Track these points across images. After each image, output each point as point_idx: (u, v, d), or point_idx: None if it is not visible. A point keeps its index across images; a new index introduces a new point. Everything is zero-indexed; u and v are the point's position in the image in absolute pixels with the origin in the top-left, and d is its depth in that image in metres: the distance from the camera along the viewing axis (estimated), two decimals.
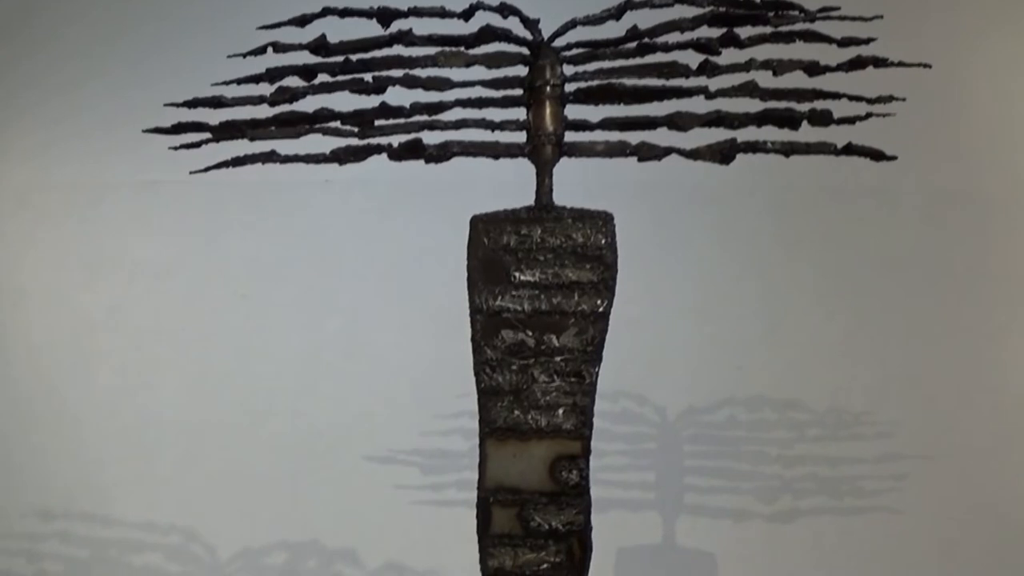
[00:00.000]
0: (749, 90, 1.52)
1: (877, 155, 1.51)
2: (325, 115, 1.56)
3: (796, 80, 1.47)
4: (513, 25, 1.49)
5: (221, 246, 2.60)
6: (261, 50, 1.51)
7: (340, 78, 1.54)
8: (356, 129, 1.57)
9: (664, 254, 2.51)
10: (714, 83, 1.48)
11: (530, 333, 1.51)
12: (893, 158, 1.48)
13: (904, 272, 2.58)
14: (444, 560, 2.45)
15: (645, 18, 1.46)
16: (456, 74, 1.50)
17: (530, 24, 1.53)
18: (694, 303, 2.57)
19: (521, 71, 1.50)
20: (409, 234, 2.56)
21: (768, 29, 1.49)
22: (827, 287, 2.57)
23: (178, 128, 1.57)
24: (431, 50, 1.53)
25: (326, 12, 1.49)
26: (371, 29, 1.48)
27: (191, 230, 2.62)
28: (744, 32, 1.48)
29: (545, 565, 1.55)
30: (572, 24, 1.49)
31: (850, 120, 1.47)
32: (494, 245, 1.50)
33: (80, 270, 2.65)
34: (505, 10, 1.53)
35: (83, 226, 2.66)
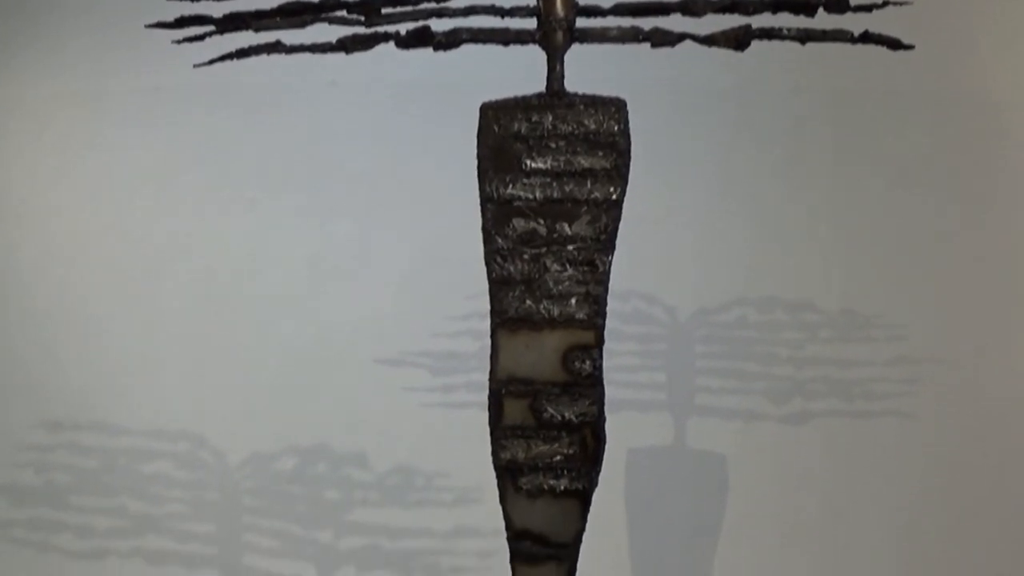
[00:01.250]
0: None
1: (894, 44, 1.48)
2: (331, 4, 1.53)
3: None
4: None
5: (226, 151, 2.57)
6: None
7: None
8: (363, 18, 1.53)
9: (675, 153, 2.48)
10: None
11: (542, 222, 1.49)
12: (910, 47, 1.45)
13: (917, 174, 2.55)
14: (454, 462, 2.45)
15: None
16: None
17: None
18: (705, 203, 2.54)
19: None
20: (416, 135, 2.53)
21: None
22: (840, 189, 2.54)
23: (181, 22, 1.54)
24: None
25: None
26: None
27: (195, 136, 2.59)
28: None
29: (558, 457, 1.54)
30: None
31: (867, 8, 1.44)
32: (504, 132, 1.47)
33: (84, 179, 2.62)
34: None
35: (86, 135, 2.63)
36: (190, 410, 2.54)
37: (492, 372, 1.54)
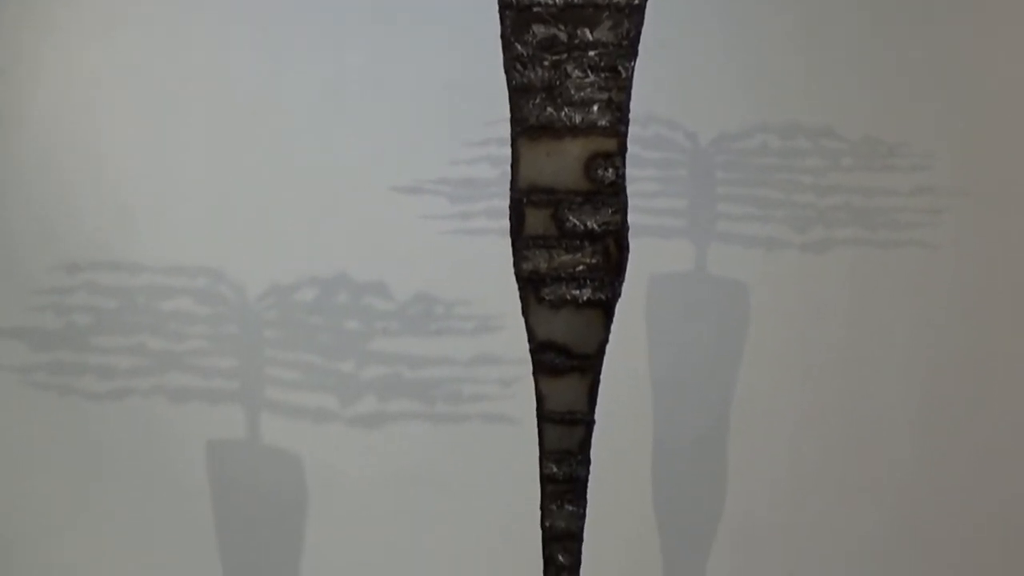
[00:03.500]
0: None
1: None
2: None
3: None
4: None
5: None
6: None
7: None
8: None
9: None
10: None
11: (562, 27, 1.45)
12: None
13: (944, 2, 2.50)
14: (475, 290, 2.44)
15: None
16: None
17: None
18: (728, 26, 2.49)
19: None
20: None
21: None
22: (865, 13, 2.48)
23: None
24: None
25: None
26: None
27: None
28: None
29: (581, 267, 1.52)
30: None
31: None
32: None
33: (96, 18, 2.57)
34: None
35: None
36: (208, 245, 2.53)
37: (513, 182, 1.52)
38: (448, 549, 2.56)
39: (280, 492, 2.58)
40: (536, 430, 1.65)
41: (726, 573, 2.52)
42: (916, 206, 2.51)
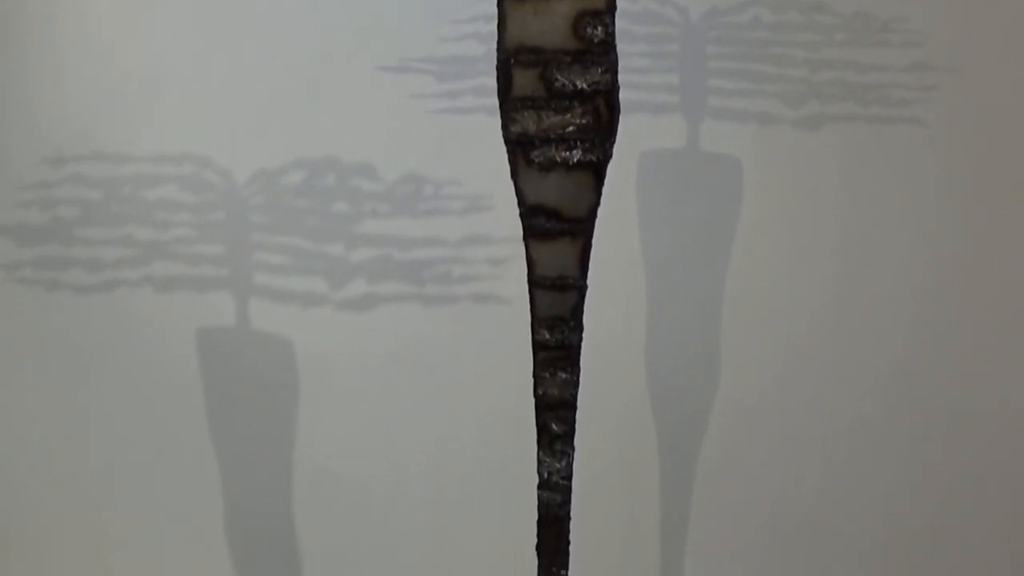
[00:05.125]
0: None
1: None
2: None
3: None
4: None
5: None
6: None
7: None
8: None
9: None
10: None
11: None
12: None
13: None
14: (464, 169, 2.41)
15: None
16: None
17: None
18: None
19: None
20: None
21: None
22: None
23: None
24: None
25: None
26: None
27: None
28: None
29: (571, 128, 1.50)
30: None
31: None
32: None
33: None
34: None
35: None
36: (193, 131, 2.49)
37: (500, 42, 1.49)
38: (440, 429, 2.57)
39: (271, 377, 2.58)
40: (528, 300, 1.64)
41: (720, 449, 2.52)
42: (909, 83, 2.48)
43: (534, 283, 1.62)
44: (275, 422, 2.61)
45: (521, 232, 1.60)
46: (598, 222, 1.58)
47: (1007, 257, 2.50)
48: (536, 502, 1.78)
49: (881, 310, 2.47)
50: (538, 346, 1.67)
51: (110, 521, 2.79)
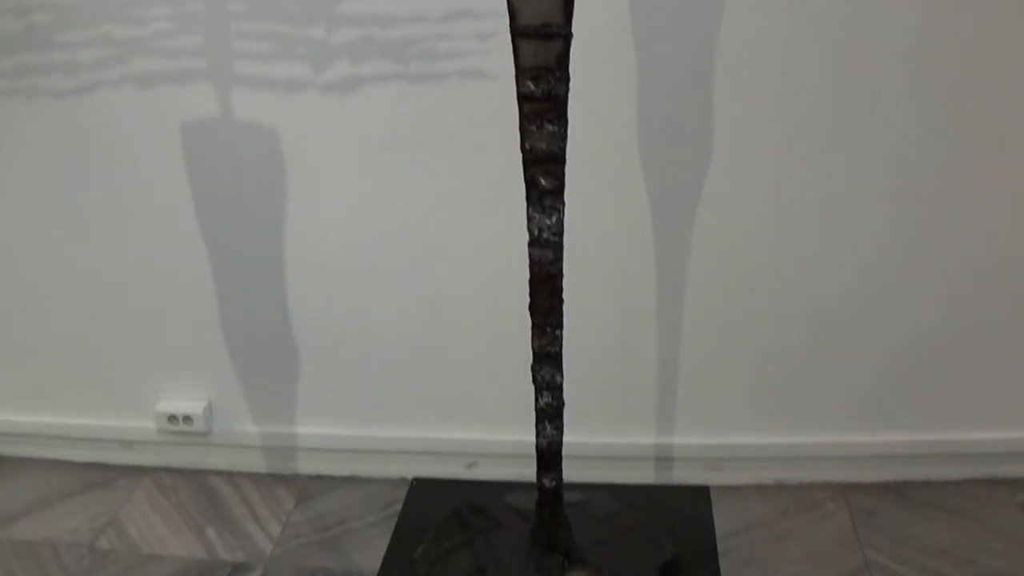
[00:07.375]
0: None
1: None
2: None
3: None
4: None
5: None
6: None
7: None
8: None
9: None
10: None
11: None
12: None
13: None
14: None
15: None
16: None
17: None
18: None
19: None
20: None
21: None
22: None
23: None
24: None
25: None
26: None
27: None
28: None
29: None
30: None
31: None
32: None
33: None
34: None
35: None
36: None
37: None
38: (429, 206, 2.55)
39: (258, 167, 2.55)
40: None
41: (714, 224, 2.49)
42: None
43: (517, 32, 1.58)
44: (265, 211, 2.60)
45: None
46: None
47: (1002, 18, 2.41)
48: (528, 260, 1.77)
49: (877, 68, 2.35)
50: (523, 98, 1.63)
51: (103, 323, 2.81)
